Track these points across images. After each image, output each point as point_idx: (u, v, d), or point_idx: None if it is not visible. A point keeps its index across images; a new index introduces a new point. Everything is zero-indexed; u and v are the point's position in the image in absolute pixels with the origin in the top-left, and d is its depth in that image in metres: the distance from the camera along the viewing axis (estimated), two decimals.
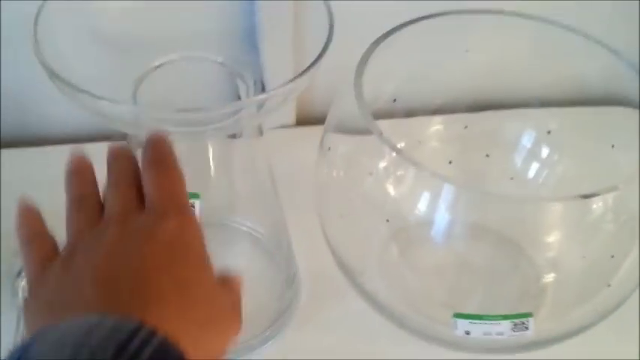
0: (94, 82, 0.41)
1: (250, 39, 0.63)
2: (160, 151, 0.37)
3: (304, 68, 0.43)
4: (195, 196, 0.47)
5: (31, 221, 0.37)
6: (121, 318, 0.27)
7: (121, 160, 0.38)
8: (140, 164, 0.38)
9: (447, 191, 0.48)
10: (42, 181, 0.38)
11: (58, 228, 0.37)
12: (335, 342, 0.54)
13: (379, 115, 0.57)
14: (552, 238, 0.53)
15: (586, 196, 0.41)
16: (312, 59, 0.44)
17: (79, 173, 0.38)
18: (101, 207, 0.37)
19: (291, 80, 0.42)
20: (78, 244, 0.35)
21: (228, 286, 0.37)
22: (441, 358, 0.51)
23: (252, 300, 0.56)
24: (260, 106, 0.44)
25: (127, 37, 0.51)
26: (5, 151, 0.68)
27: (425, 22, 0.52)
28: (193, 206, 0.47)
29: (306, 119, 0.75)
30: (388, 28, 0.51)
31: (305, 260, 0.59)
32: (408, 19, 0.52)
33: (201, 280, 0.34)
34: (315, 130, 0.72)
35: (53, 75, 0.40)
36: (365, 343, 0.54)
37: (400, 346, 0.53)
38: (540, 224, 0.52)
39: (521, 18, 0.55)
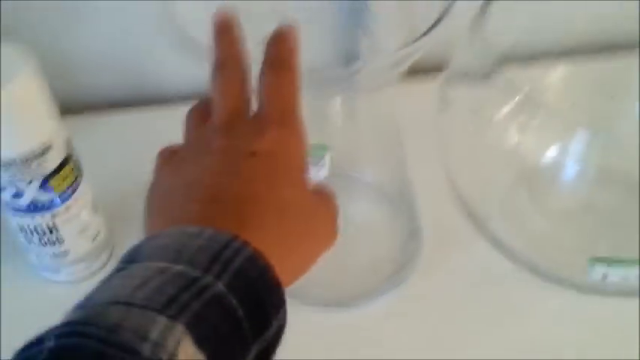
0: None
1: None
2: (282, 50, 0.37)
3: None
4: (324, 148, 0.47)
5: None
6: (217, 231, 0.29)
7: (229, 45, 0.37)
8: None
9: (577, 136, 0.47)
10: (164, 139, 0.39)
11: None
12: (461, 289, 0.54)
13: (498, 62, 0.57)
14: None
15: None
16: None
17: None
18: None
19: (426, 32, 0.41)
20: (192, 143, 0.36)
21: (324, 197, 0.37)
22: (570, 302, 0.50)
23: (376, 250, 0.58)
24: (390, 64, 0.44)
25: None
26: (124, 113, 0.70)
27: None
28: (323, 158, 0.48)
29: (417, 68, 0.74)
30: None
31: (429, 210, 0.58)
32: None
33: (297, 194, 0.34)
34: (429, 79, 0.72)
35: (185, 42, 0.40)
36: (493, 290, 0.54)
37: (531, 290, 0.52)
38: None
39: None
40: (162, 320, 0.25)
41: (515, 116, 0.53)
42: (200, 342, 0.26)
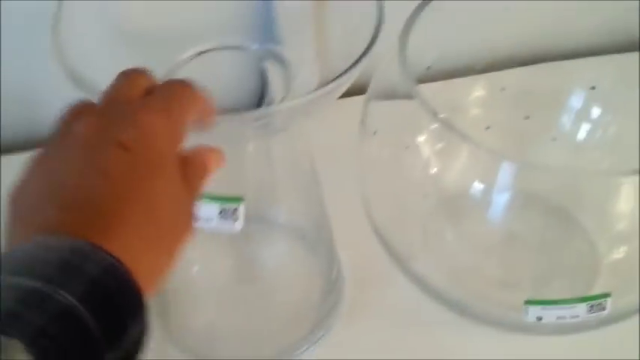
0: None
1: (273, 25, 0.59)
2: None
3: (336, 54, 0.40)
4: (238, 200, 0.43)
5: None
6: (74, 242, 0.28)
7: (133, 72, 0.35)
8: None
9: (498, 166, 0.45)
10: None
11: None
12: (389, 334, 0.51)
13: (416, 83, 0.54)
14: (617, 210, 0.50)
15: None
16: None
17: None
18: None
19: (336, 78, 0.38)
20: (60, 136, 0.32)
21: (190, 178, 0.33)
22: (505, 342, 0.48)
23: (296, 299, 0.54)
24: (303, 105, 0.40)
25: (150, 33, 0.47)
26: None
27: None
28: (237, 210, 0.44)
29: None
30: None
31: (350, 251, 0.55)
32: None
33: (168, 190, 0.32)
34: (343, 103, 0.70)
35: (76, 79, 0.37)
36: (422, 333, 0.51)
37: (459, 332, 0.50)
38: (599, 197, 0.48)
39: None
40: None
41: (432, 144, 0.51)
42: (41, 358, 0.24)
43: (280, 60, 0.49)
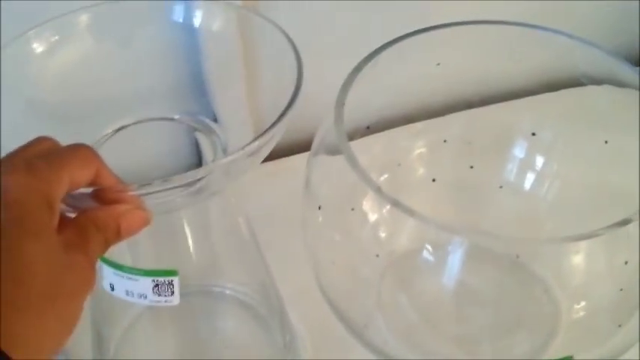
0: None
1: (203, 90, 0.57)
2: None
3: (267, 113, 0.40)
4: (172, 273, 0.41)
5: None
6: None
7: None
8: None
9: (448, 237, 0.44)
10: None
11: None
12: None
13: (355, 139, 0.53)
14: (573, 268, 0.49)
15: (608, 229, 0.37)
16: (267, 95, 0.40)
17: None
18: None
19: (258, 137, 0.38)
20: None
21: (77, 245, 0.31)
22: None
23: None
24: (228, 166, 0.39)
25: (69, 106, 0.45)
26: None
27: (397, 44, 0.48)
28: (172, 285, 0.42)
29: (272, 152, 0.70)
30: (341, 58, 0.47)
31: (301, 316, 0.54)
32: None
33: (42, 251, 0.29)
34: (284, 163, 0.69)
35: None
36: None
37: None
38: (554, 254, 0.47)
39: (480, 24, 0.52)
40: None
41: (379, 206, 0.50)
42: None
43: (211, 129, 0.47)
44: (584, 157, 0.55)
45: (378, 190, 0.40)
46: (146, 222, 0.35)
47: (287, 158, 0.69)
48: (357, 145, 0.43)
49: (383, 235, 0.52)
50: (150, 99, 0.47)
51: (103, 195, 0.34)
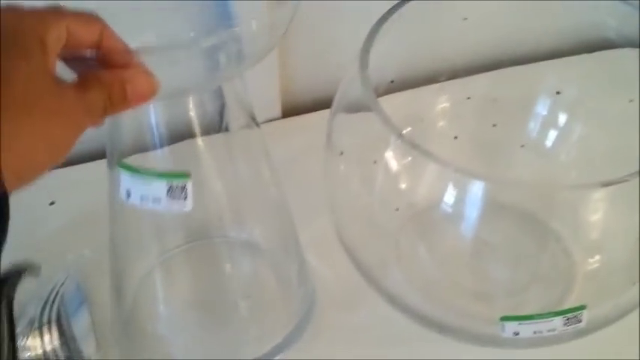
0: None
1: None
2: None
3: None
4: (185, 176, 0.41)
5: None
6: None
7: None
8: None
9: (465, 181, 0.44)
10: None
11: None
12: (364, 352, 0.50)
13: (381, 95, 0.53)
14: (589, 220, 0.49)
15: (623, 179, 0.37)
16: None
17: None
18: None
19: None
20: None
21: (91, 91, 0.32)
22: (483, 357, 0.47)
23: (268, 314, 0.53)
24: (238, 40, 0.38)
25: None
26: None
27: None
28: (185, 189, 0.42)
29: (293, 109, 0.70)
30: (362, 13, 0.47)
31: (319, 263, 0.55)
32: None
33: (31, 70, 0.30)
34: (305, 119, 0.69)
35: None
36: (398, 351, 0.50)
37: (435, 347, 0.49)
38: (570, 206, 0.47)
39: None
40: None
41: (400, 158, 0.50)
42: None
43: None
44: (607, 115, 0.55)
45: (399, 135, 0.40)
46: (153, 88, 0.34)
47: (309, 114, 0.70)
48: (380, 101, 0.43)
49: (403, 187, 0.53)
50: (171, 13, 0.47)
51: (109, 59, 0.34)
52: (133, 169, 0.41)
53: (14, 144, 0.28)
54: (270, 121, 0.69)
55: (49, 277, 0.52)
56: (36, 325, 0.50)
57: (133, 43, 0.43)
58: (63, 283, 0.52)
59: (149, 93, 0.34)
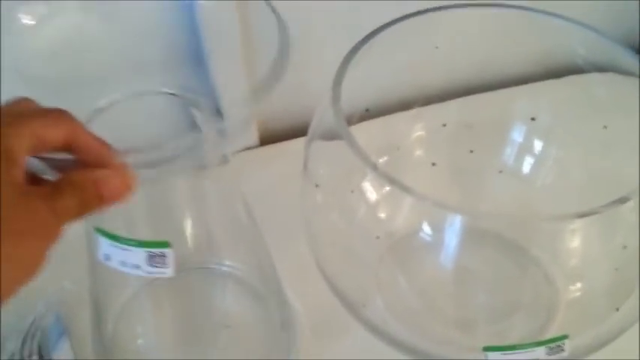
0: None
1: (198, 62, 0.57)
2: None
3: (259, 85, 0.39)
4: (165, 244, 0.41)
5: None
6: None
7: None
8: None
9: (447, 217, 0.44)
10: None
11: None
12: None
13: (353, 123, 0.53)
14: (569, 247, 0.49)
15: (597, 211, 0.37)
16: (264, 68, 0.40)
17: None
18: None
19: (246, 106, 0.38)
20: None
21: (62, 196, 0.31)
22: None
23: (247, 347, 0.52)
24: (221, 133, 0.39)
25: (63, 78, 0.45)
26: None
27: (394, 26, 0.48)
28: (165, 257, 0.42)
29: (270, 137, 0.70)
30: (338, 41, 0.47)
31: (299, 294, 0.54)
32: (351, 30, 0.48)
33: None
34: (282, 147, 0.69)
35: None
36: None
37: None
38: (550, 234, 0.47)
39: (480, 7, 0.52)
40: None
41: (378, 187, 0.50)
42: None
43: (207, 105, 0.47)
44: (582, 141, 0.55)
45: (374, 167, 0.40)
46: (130, 185, 0.34)
47: (286, 142, 0.69)
48: (355, 129, 0.43)
49: (382, 216, 0.53)
50: (146, 72, 0.48)
51: (83, 157, 0.33)
52: (111, 237, 0.40)
53: None
54: (248, 149, 0.69)
55: (29, 310, 0.52)
56: (17, 358, 0.49)
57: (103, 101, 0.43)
58: (43, 316, 0.52)
59: (126, 191, 0.34)
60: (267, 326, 0.52)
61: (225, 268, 0.54)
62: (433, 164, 0.59)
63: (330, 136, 0.46)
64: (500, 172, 0.59)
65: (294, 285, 0.54)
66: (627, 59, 0.48)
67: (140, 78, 0.48)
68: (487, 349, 0.41)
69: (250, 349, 0.51)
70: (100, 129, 0.43)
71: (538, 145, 0.58)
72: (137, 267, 0.41)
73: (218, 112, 0.52)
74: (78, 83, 0.46)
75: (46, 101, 0.44)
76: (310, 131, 0.49)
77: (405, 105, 0.59)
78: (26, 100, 0.34)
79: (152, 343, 0.51)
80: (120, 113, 0.45)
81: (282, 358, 0.51)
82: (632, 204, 0.38)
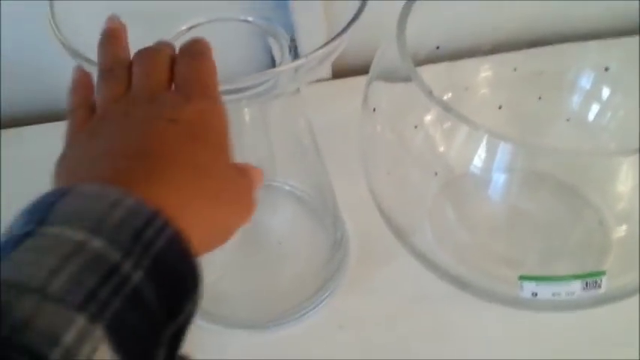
0: None
1: None
2: (197, 44, 0.36)
3: (340, 28, 0.40)
4: None
5: (82, 90, 0.37)
6: (139, 201, 0.27)
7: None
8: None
9: (501, 147, 0.45)
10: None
11: None
12: (390, 304, 0.52)
13: (423, 63, 0.54)
14: (620, 188, 0.49)
15: None
16: (345, 11, 0.41)
17: (113, 40, 0.37)
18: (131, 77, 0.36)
19: (326, 44, 0.39)
20: (106, 115, 0.34)
21: (246, 172, 0.36)
22: (503, 318, 0.49)
23: (301, 262, 0.55)
24: (296, 69, 0.41)
25: (146, 5, 0.48)
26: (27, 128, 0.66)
27: None
28: None
29: (343, 71, 0.72)
30: None
31: (352, 220, 0.56)
32: None
33: (216, 160, 0.33)
34: (354, 82, 0.70)
35: (76, 55, 0.38)
36: (422, 305, 0.52)
37: (459, 306, 0.50)
38: (606, 175, 0.47)
39: None
40: (80, 321, 0.23)
41: (437, 123, 0.51)
42: (118, 347, 0.23)
43: (284, 36, 0.49)
44: None
45: (429, 93, 0.41)
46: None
47: (358, 77, 0.70)
48: (422, 69, 0.44)
49: (441, 151, 0.53)
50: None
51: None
52: None
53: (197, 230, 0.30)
54: (320, 81, 0.70)
55: None
56: None
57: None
58: None
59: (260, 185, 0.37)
60: (322, 242, 0.55)
61: (286, 187, 0.56)
62: (500, 107, 0.60)
63: (391, 76, 0.47)
64: (568, 120, 0.59)
65: (349, 212, 0.56)
66: None
67: (222, 4, 0.50)
68: (523, 278, 0.42)
69: (305, 259, 0.54)
70: None
71: (602, 92, 0.57)
72: None
73: (294, 45, 0.54)
74: (159, 11, 0.49)
75: (133, 30, 0.47)
76: (372, 68, 0.50)
77: (474, 47, 0.59)
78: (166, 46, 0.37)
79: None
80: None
81: (334, 273, 0.54)
82: None
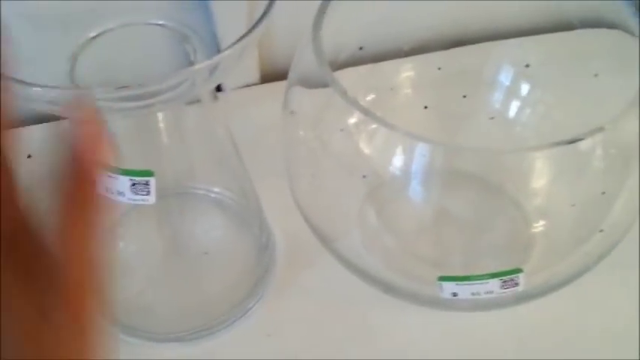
0: (23, 65, 0.36)
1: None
2: None
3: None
4: (148, 174, 0.43)
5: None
6: None
7: None
8: None
9: (423, 148, 0.44)
10: None
11: None
12: (317, 309, 0.52)
13: (346, 65, 0.54)
14: (538, 184, 0.50)
15: (572, 141, 0.38)
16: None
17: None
18: None
19: (233, 44, 0.38)
20: None
21: None
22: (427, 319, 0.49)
23: (227, 269, 0.54)
24: (212, 69, 0.40)
25: (53, 10, 0.46)
26: None
27: None
28: (148, 185, 0.44)
29: (272, 75, 0.71)
30: None
31: (278, 226, 0.56)
32: None
33: None
34: (282, 86, 0.69)
35: None
36: (348, 309, 0.51)
37: (385, 309, 0.50)
38: (524, 171, 0.48)
39: None
40: None
41: (360, 126, 0.51)
42: None
43: (200, 39, 0.48)
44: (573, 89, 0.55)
45: (344, 94, 0.40)
46: None
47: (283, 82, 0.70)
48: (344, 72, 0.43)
49: (365, 153, 0.53)
50: (140, 3, 0.48)
51: None
52: None
53: None
54: (247, 86, 0.70)
55: None
56: None
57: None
58: None
59: None
60: (249, 248, 0.54)
61: (210, 195, 0.56)
62: (425, 107, 0.60)
63: (311, 72, 0.46)
64: (492, 118, 0.60)
65: (273, 217, 0.55)
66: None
67: (133, 9, 0.49)
68: (442, 278, 0.42)
69: (230, 267, 0.54)
70: (90, 59, 0.45)
71: (525, 89, 0.58)
72: (121, 194, 0.43)
73: (213, 48, 0.53)
74: (69, 12, 0.47)
75: (39, 36, 0.46)
76: (290, 74, 0.49)
77: (399, 50, 0.59)
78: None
79: (134, 259, 0.53)
80: (111, 43, 0.46)
81: (262, 277, 0.53)
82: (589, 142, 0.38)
